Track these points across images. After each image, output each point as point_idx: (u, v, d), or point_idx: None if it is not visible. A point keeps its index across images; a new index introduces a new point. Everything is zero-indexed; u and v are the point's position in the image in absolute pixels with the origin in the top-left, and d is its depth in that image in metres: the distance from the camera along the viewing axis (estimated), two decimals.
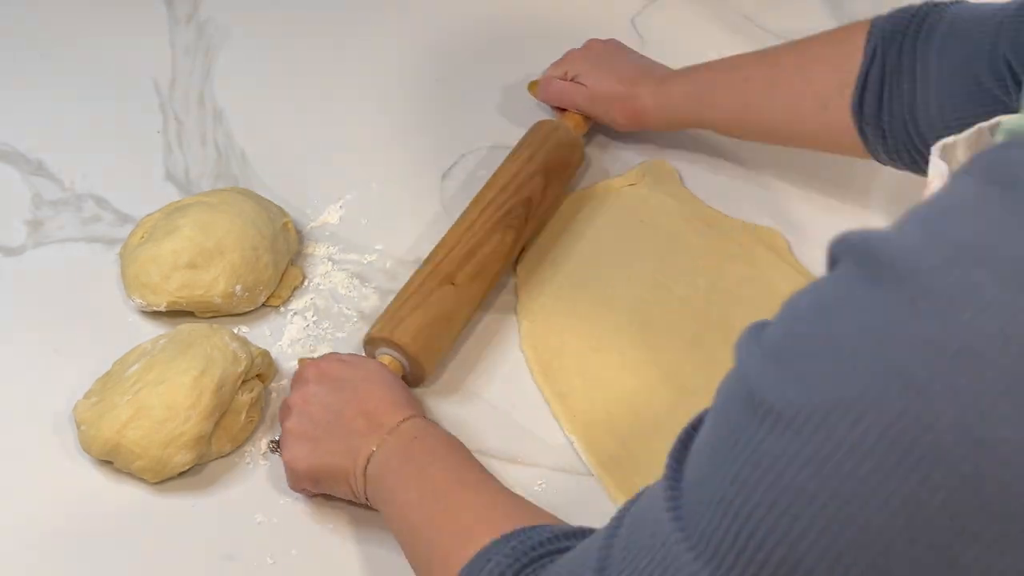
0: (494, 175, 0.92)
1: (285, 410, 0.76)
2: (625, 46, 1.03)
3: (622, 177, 0.97)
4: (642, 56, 1.01)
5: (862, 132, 0.82)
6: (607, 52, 1.01)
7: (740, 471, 0.42)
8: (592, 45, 1.02)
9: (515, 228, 0.87)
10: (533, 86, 1.03)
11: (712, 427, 0.46)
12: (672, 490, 0.47)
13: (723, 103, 0.91)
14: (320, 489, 0.74)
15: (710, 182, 0.99)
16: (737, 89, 0.90)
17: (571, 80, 0.99)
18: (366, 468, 0.70)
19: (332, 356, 0.79)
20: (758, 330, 0.45)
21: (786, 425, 0.40)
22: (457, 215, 0.96)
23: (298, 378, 0.78)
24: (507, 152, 1.01)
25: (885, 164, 0.85)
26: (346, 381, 0.75)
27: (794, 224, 0.95)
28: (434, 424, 0.76)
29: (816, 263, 0.91)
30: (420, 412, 0.75)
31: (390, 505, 0.69)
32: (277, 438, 0.77)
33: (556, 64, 1.02)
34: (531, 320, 0.85)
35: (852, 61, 0.82)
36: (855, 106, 0.81)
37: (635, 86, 0.95)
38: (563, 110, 1.00)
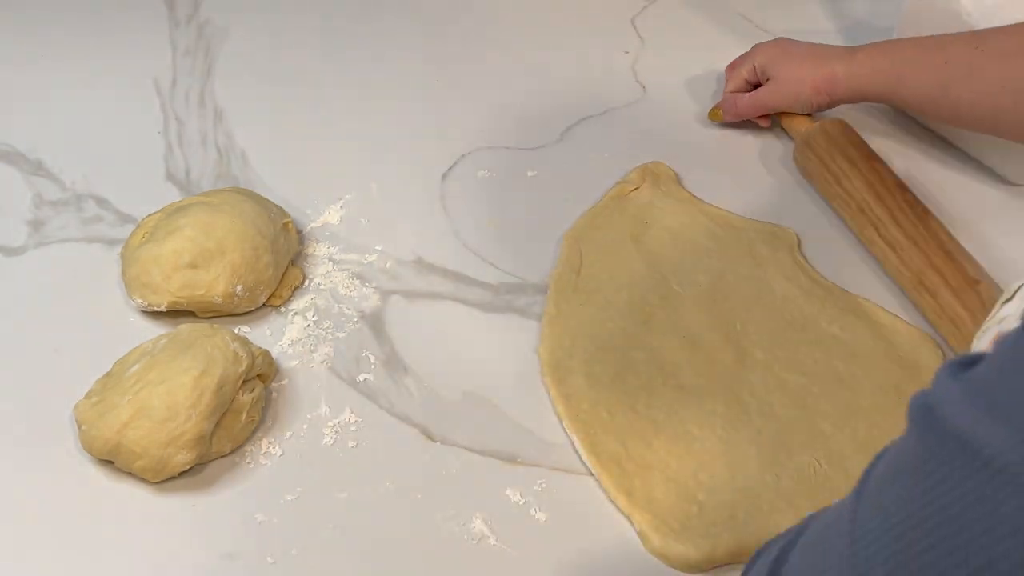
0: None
1: None
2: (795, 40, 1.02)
3: (624, 183, 0.97)
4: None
5: None
6: (782, 43, 1.01)
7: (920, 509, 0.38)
8: (759, 47, 1.02)
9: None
10: (715, 114, 1.03)
11: (898, 455, 0.42)
12: (853, 512, 0.43)
13: (919, 81, 0.90)
14: None
15: (708, 183, 0.99)
16: (936, 70, 0.89)
17: (759, 76, 1.00)
18: None
19: None
20: (959, 367, 0.40)
21: (992, 474, 0.35)
22: (457, 215, 0.96)
23: None
24: (507, 152, 1.01)
25: None
26: None
27: (794, 223, 0.95)
28: None
29: (817, 261, 0.91)
30: None
31: None
32: None
33: (730, 79, 1.03)
34: (551, 324, 0.85)
35: None
36: None
37: (825, 58, 0.96)
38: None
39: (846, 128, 0.97)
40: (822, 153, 0.95)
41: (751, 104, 1.01)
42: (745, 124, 1.04)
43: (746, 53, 1.02)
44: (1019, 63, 0.83)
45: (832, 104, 0.97)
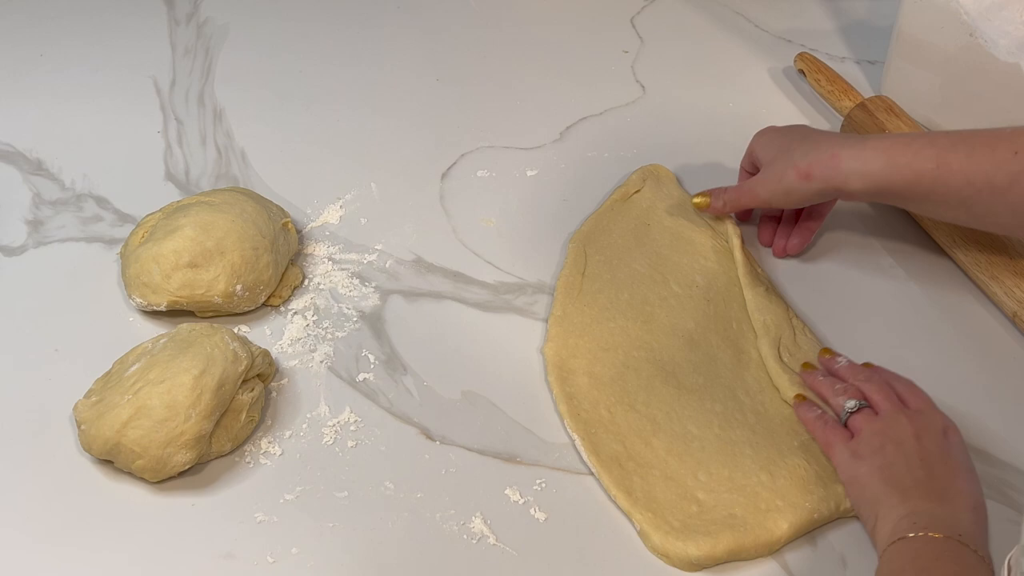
0: None
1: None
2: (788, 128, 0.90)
3: (625, 186, 0.97)
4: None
5: None
6: (778, 128, 0.90)
7: None
8: (756, 135, 0.90)
9: None
10: (702, 202, 0.91)
11: None
12: None
13: (981, 172, 0.77)
14: None
15: (707, 183, 0.99)
16: (1005, 157, 0.76)
17: (755, 166, 0.89)
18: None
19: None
20: None
21: None
22: (457, 215, 0.96)
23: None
24: (507, 152, 1.02)
25: None
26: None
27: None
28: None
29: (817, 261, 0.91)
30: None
31: None
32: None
33: (739, 176, 0.93)
34: (556, 325, 0.85)
35: None
36: None
37: (822, 140, 0.83)
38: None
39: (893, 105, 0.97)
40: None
41: (736, 193, 0.89)
42: (744, 123, 1.03)
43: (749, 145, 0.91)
44: None
45: (826, 195, 0.84)
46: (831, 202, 0.90)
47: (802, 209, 0.90)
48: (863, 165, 0.79)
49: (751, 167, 0.91)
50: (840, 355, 0.81)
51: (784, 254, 0.92)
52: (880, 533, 0.68)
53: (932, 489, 0.68)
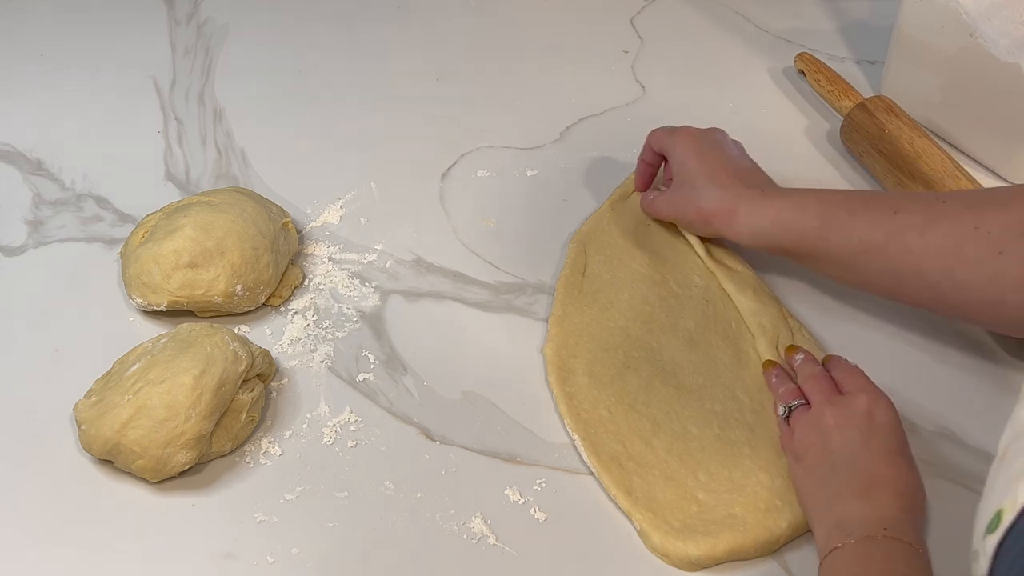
0: None
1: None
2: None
3: (625, 186, 0.97)
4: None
5: None
6: (703, 141, 0.89)
7: None
8: (679, 135, 0.90)
9: None
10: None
11: None
12: None
13: (858, 231, 0.77)
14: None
15: None
16: (882, 217, 0.76)
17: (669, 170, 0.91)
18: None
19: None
20: None
21: None
22: (457, 214, 0.96)
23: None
24: (507, 151, 1.01)
25: None
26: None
27: None
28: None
29: None
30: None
31: None
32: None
33: (644, 148, 0.94)
34: (557, 325, 0.85)
35: None
36: None
37: (729, 187, 0.84)
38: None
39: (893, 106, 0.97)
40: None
41: (645, 203, 0.92)
42: (745, 123, 1.03)
43: (670, 132, 0.90)
44: (993, 211, 0.72)
45: (718, 237, 0.87)
46: None
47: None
48: (756, 222, 0.82)
49: (653, 159, 0.92)
50: (800, 351, 0.81)
51: (650, 208, 0.92)
52: (817, 544, 0.69)
53: (855, 488, 0.68)
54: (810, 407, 0.75)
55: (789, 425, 0.76)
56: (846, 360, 0.78)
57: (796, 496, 0.73)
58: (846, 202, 0.79)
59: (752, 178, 0.86)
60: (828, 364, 0.79)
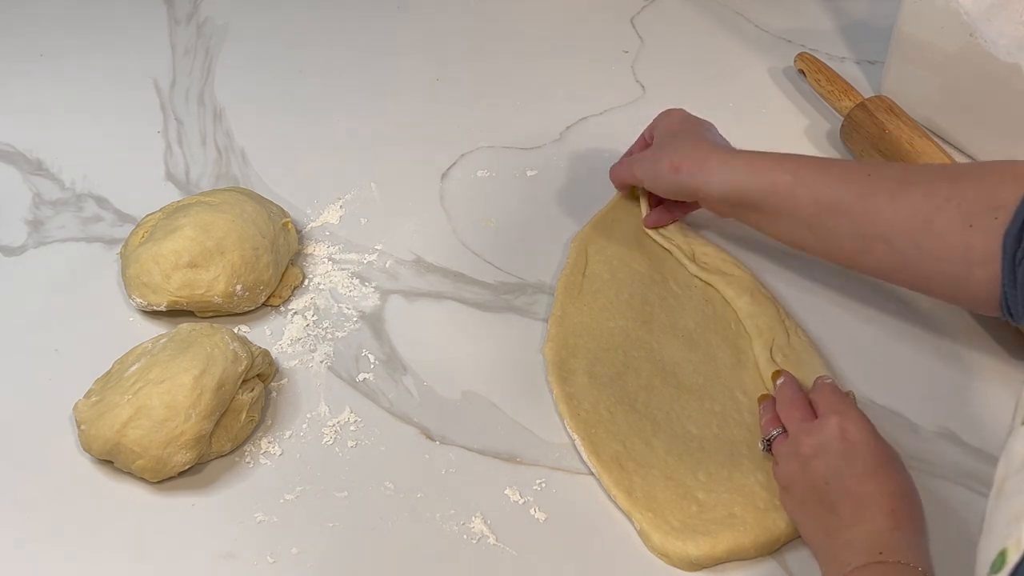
0: None
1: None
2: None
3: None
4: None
5: (1010, 269, 0.68)
6: (686, 118, 0.91)
7: None
8: (663, 115, 0.92)
9: None
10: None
11: None
12: None
13: (830, 187, 0.76)
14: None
15: None
16: (855, 178, 0.76)
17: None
18: None
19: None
20: None
21: None
22: (457, 214, 0.96)
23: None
24: (506, 151, 1.01)
25: (1016, 323, 0.71)
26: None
27: None
28: None
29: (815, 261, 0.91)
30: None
31: None
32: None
33: (637, 140, 0.95)
34: (557, 324, 0.85)
35: (1013, 187, 0.69)
36: (1011, 233, 0.68)
37: (706, 142, 0.85)
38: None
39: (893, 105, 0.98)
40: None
41: (618, 167, 0.92)
42: (744, 123, 1.03)
43: (662, 112, 0.93)
44: (968, 183, 0.72)
45: (687, 194, 0.85)
46: (692, 204, 0.90)
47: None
48: (727, 171, 0.81)
49: (649, 137, 0.93)
50: (782, 375, 0.79)
51: (652, 226, 0.93)
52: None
53: (845, 515, 0.67)
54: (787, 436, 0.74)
55: (772, 455, 0.75)
56: (828, 380, 0.77)
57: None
58: (821, 162, 0.79)
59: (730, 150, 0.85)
60: (812, 386, 0.77)
